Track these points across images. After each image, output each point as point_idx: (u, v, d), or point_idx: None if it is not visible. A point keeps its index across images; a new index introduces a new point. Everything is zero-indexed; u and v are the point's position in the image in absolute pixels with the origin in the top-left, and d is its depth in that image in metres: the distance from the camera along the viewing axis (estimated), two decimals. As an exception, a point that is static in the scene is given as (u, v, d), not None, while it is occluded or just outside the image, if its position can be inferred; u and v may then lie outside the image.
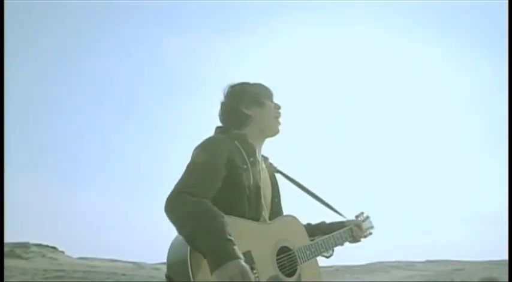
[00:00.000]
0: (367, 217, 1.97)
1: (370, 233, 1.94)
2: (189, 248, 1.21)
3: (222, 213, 1.26)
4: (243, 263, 1.16)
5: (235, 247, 1.18)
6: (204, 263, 1.19)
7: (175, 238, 1.32)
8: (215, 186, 1.39)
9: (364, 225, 1.91)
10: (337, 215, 1.90)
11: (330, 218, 1.88)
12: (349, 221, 1.88)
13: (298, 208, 1.70)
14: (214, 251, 1.16)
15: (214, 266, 1.14)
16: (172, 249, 1.32)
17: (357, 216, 1.95)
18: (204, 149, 1.47)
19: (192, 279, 1.18)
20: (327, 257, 1.70)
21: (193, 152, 1.49)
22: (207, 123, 1.57)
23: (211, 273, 1.14)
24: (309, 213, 1.76)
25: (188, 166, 1.43)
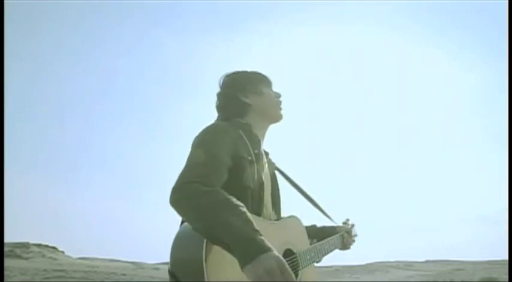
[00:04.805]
0: (353, 225, 1.96)
1: (354, 241, 1.92)
2: (204, 243, 1.07)
3: (242, 204, 1.13)
4: (279, 255, 1.02)
5: (264, 238, 1.04)
6: (224, 260, 1.06)
7: (182, 231, 1.18)
8: (223, 177, 1.26)
9: (352, 232, 1.92)
10: (326, 219, 1.85)
11: (318, 221, 1.85)
12: (339, 227, 1.85)
13: (293, 208, 1.64)
14: (244, 244, 1.02)
15: (246, 260, 1.00)
16: (179, 243, 1.16)
17: (344, 223, 1.92)
18: (208, 137, 1.35)
19: (206, 279, 1.03)
20: (316, 262, 1.64)
21: (194, 140, 1.36)
22: (207, 123, 1.51)
23: (242, 268, 1.00)
24: (301, 213, 1.73)
25: (192, 155, 1.30)
